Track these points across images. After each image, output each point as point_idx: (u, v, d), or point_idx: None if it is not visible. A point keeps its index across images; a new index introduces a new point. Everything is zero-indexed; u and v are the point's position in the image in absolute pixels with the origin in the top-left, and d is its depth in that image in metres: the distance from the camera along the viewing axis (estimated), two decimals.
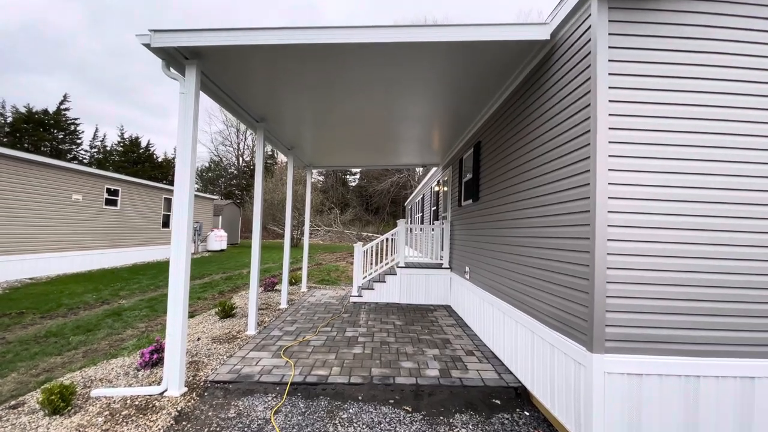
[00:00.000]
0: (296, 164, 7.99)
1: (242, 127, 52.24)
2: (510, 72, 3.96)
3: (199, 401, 3.29)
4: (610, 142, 2.52)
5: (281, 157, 54.69)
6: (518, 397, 3.55)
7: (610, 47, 2.55)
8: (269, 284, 8.62)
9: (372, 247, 8.07)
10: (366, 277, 7.95)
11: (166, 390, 3.34)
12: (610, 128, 2.52)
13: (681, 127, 2.54)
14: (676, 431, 2.48)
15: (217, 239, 20.18)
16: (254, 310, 5.32)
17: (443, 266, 7.68)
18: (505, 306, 4.21)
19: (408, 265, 7.74)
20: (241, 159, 52.85)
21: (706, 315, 2.49)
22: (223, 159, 52.97)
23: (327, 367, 3.99)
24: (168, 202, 16.59)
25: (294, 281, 9.43)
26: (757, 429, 2.47)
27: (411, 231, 11.22)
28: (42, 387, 3.46)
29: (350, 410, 3.22)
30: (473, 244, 5.79)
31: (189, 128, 3.39)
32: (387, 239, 8.17)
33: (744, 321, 2.49)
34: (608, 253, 2.48)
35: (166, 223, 16.40)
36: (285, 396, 3.41)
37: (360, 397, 3.44)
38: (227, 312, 6.09)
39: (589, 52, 2.62)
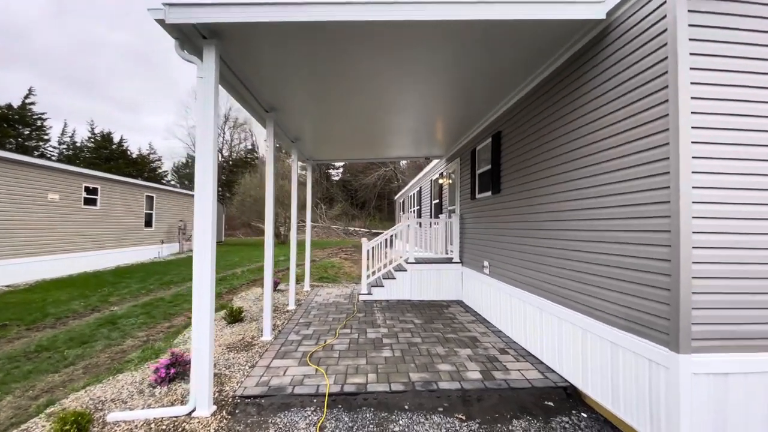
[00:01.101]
0: (297, 158, 7.59)
1: (220, 121, 50.66)
2: (546, 56, 3.75)
3: (232, 421, 2.97)
4: (692, 127, 2.34)
5: (261, 152, 53.37)
6: (569, 397, 3.39)
7: (690, 25, 2.36)
8: (274, 285, 8.21)
9: (380, 243, 7.81)
10: (375, 273, 7.69)
11: (194, 410, 3.00)
12: (692, 113, 2.34)
13: (765, 111, 2.38)
14: (760, 426, 2.36)
15: None
16: (269, 313, 4.98)
17: (453, 261, 7.51)
18: (542, 302, 4.05)
19: (418, 261, 7.53)
20: (220, 154, 51.30)
21: None
22: None
23: (361, 374, 3.73)
24: (150, 200, 15.76)
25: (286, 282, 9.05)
26: None
27: (414, 226, 11.00)
28: (48, 412, 3.06)
29: (400, 422, 2.98)
30: (494, 238, 5.61)
31: (210, 117, 3.02)
32: (395, 234, 7.92)
33: None
34: (694, 247, 2.31)
35: (149, 222, 15.59)
36: (326, 409, 3.14)
37: (406, 406, 3.20)
38: (235, 316, 5.72)
39: (665, 30, 2.42)
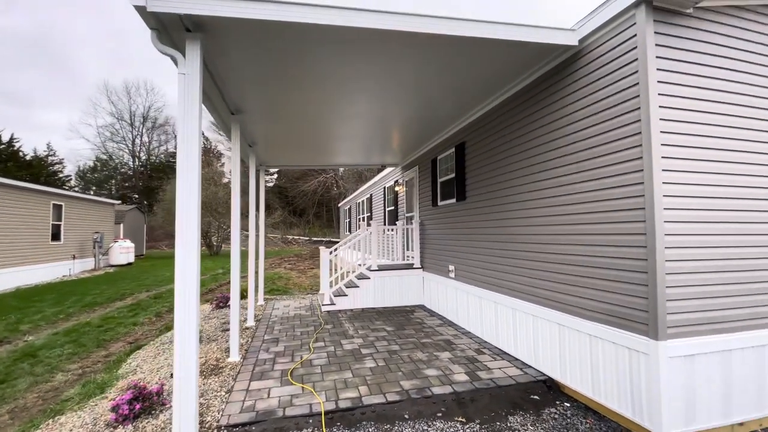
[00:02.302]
0: (250, 163, 7.14)
1: (137, 121, 45.72)
2: (516, 74, 4.07)
3: None
4: (662, 144, 2.71)
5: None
6: (550, 389, 3.66)
7: (657, 57, 2.75)
8: (222, 300, 7.59)
9: (341, 251, 7.67)
10: (336, 282, 7.53)
11: None
12: (661, 131, 2.72)
13: (722, 126, 2.87)
14: (718, 398, 2.79)
15: (122, 251, 17.21)
16: (236, 331, 4.59)
17: (415, 266, 7.67)
18: (515, 302, 4.32)
19: (381, 268, 7.54)
20: (137, 159, 46.19)
21: (735, 296, 2.85)
22: (114, 157, 45.72)
23: (352, 388, 3.61)
24: (58, 210, 13.58)
25: (243, 294, 8.46)
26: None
27: (378, 233, 10.98)
28: None
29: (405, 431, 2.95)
30: (460, 244, 5.86)
31: (194, 117, 2.73)
32: (359, 242, 7.83)
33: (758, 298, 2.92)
34: (666, 247, 2.67)
35: (56, 235, 13.40)
36: (324, 429, 2.98)
37: (406, 416, 3.18)
38: None
39: (635, 59, 2.79)
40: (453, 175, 6.11)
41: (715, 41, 2.92)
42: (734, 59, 2.97)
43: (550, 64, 3.70)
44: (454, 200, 6.07)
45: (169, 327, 6.36)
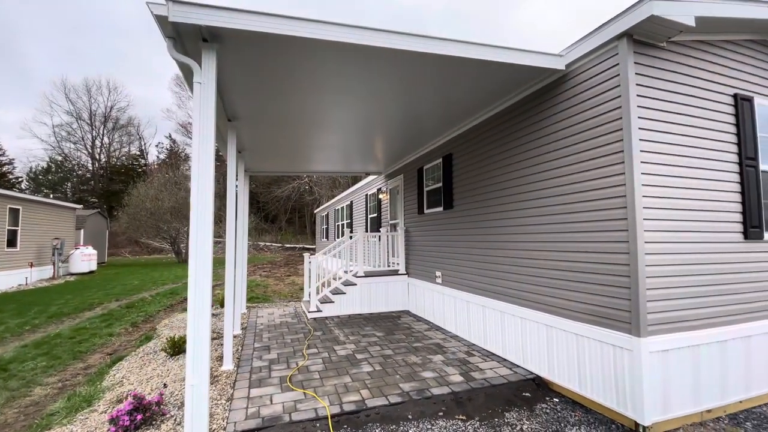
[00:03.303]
0: (238, 169, 7.05)
1: (97, 121, 43.33)
2: (505, 93, 4.38)
3: None
4: (642, 162, 3.05)
5: (152, 157, 47.05)
6: (539, 387, 3.90)
7: (637, 84, 3.10)
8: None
9: (324, 258, 7.71)
10: (322, 289, 7.55)
11: None
12: (641, 150, 3.05)
13: (690, 146, 3.25)
14: (689, 388, 3.13)
15: (84, 258, 16.21)
16: (230, 339, 4.55)
17: (400, 272, 7.83)
18: (504, 306, 4.57)
19: (367, 274, 7.64)
20: (96, 161, 43.66)
21: (701, 297, 3.22)
22: (70, 158, 43.07)
23: (353, 392, 3.70)
24: (14, 213, 12.66)
25: (220, 303, 8.27)
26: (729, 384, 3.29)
27: (363, 240, 11.04)
28: None
29: (410, 431, 3.07)
30: (448, 250, 6.09)
31: (210, 125, 2.78)
32: (344, 249, 7.90)
33: (716, 298, 3.31)
34: (646, 253, 2.99)
35: (11, 242, 12.47)
36: (332, 431, 3.05)
37: (410, 416, 3.30)
38: (179, 347, 5.04)
39: (618, 85, 3.13)
40: (440, 185, 6.36)
41: (684, 71, 3.33)
42: (699, 87, 3.39)
43: (538, 85, 4.02)
44: (441, 208, 6.31)
45: (149, 337, 6.14)
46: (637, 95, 3.08)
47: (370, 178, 10.69)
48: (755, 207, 3.54)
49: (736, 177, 3.51)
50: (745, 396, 3.40)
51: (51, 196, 25.62)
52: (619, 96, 3.11)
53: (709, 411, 3.22)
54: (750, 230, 3.49)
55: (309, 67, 3.49)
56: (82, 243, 19.03)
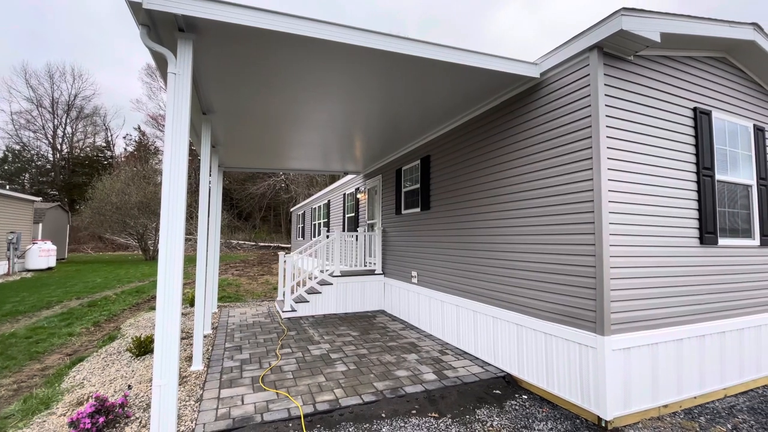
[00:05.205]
0: (211, 164, 6.86)
1: (59, 110, 40.94)
2: (482, 98, 4.49)
3: None
4: (609, 169, 3.20)
5: (119, 149, 44.88)
6: (509, 384, 4.02)
7: (606, 95, 3.25)
8: None
9: (300, 257, 7.62)
10: (297, 289, 7.45)
11: None
12: (608, 158, 3.20)
13: (652, 155, 3.43)
14: (648, 384, 3.31)
15: (43, 254, 15.29)
16: (200, 339, 4.43)
17: (376, 272, 7.84)
18: (477, 305, 4.68)
19: (344, 274, 7.61)
20: (57, 151, 41.24)
21: (657, 298, 3.41)
22: (29, 147, 40.54)
23: (327, 391, 3.68)
24: None
25: (190, 302, 8.01)
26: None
27: (340, 239, 10.96)
28: None
29: (383, 430, 3.09)
30: (424, 251, 6.16)
31: (185, 117, 2.70)
32: (320, 248, 7.83)
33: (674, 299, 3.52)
34: (611, 256, 3.14)
35: None
36: (305, 431, 3.03)
37: (383, 414, 3.32)
38: (145, 347, 4.84)
39: (588, 95, 3.27)
40: (418, 186, 6.42)
41: (649, 84, 3.52)
42: (662, 100, 3.59)
43: (514, 91, 4.14)
44: (418, 209, 6.37)
45: (113, 337, 5.87)
46: (606, 105, 3.23)
47: (349, 177, 10.65)
48: (710, 214, 3.78)
49: (694, 186, 3.74)
50: (699, 392, 3.63)
51: (7, 187, 23.99)
52: (590, 105, 3.26)
53: (666, 406, 3.42)
54: (705, 236, 3.73)
55: (287, 63, 3.45)
56: (40, 238, 17.94)
